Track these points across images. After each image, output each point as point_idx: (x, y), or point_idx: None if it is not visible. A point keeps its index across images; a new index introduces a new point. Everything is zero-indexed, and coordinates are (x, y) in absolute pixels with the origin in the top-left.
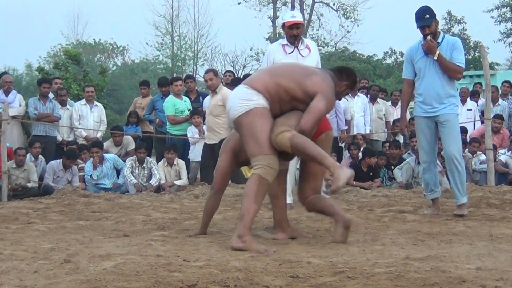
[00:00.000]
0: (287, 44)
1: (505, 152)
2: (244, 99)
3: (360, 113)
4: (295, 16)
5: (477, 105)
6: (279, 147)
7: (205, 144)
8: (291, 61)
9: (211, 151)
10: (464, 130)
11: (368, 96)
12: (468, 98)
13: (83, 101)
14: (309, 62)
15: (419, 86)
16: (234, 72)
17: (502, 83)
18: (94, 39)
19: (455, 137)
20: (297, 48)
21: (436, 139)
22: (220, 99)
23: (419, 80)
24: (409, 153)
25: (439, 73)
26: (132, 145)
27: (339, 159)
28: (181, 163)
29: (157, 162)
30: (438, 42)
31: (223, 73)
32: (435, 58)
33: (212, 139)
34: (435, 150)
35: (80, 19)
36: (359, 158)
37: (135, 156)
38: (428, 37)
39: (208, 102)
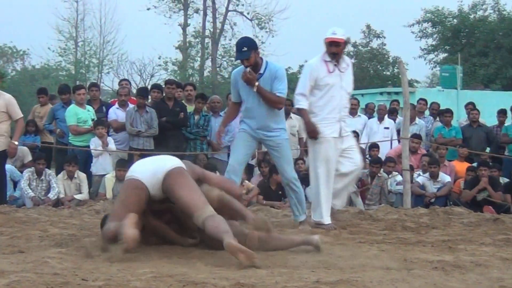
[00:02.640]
0: (330, 61)
1: (420, 173)
2: None
3: None
4: (336, 33)
5: (395, 123)
6: None
7: None
8: (334, 79)
9: None
10: (375, 146)
11: None
12: (386, 116)
13: None
14: (347, 77)
15: (245, 113)
16: (142, 81)
17: (417, 101)
18: None
19: (288, 160)
20: (337, 66)
21: (251, 154)
22: (3, 104)
23: (244, 105)
24: None
25: (262, 103)
26: (29, 157)
27: (250, 177)
28: (82, 176)
29: (57, 175)
30: (260, 73)
31: (119, 81)
32: (254, 90)
33: None
34: (244, 163)
35: None
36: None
37: (33, 167)
38: (247, 69)
39: None
